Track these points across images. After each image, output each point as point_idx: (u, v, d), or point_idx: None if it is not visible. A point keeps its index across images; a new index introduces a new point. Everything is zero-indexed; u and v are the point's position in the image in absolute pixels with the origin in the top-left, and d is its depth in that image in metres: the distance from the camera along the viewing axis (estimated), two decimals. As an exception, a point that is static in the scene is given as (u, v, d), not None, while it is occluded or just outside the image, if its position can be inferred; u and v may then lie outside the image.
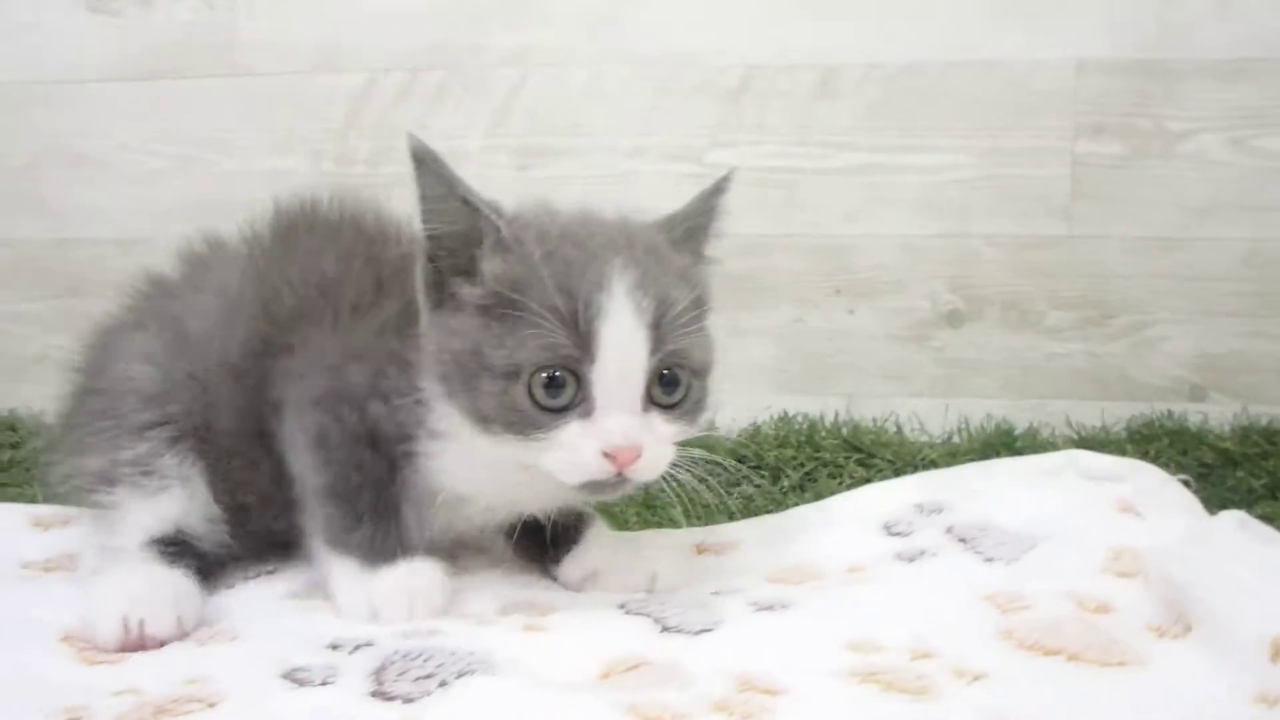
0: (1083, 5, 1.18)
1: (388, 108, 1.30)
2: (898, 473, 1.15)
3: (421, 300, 0.71)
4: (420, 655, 0.61)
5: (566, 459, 0.65)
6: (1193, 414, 1.17)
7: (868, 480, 1.13)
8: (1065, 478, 0.84)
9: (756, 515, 1.05)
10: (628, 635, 0.66)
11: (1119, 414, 1.20)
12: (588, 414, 0.65)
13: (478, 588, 0.76)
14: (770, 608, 0.69)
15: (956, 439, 1.20)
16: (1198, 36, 1.16)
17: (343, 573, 0.72)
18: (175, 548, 0.74)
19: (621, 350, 0.64)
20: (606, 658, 0.62)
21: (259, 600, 0.74)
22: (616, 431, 0.64)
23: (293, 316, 0.78)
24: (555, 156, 1.28)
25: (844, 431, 1.20)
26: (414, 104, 1.30)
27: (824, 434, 1.19)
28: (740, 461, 1.16)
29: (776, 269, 1.26)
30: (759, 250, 1.25)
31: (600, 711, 0.53)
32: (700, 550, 0.85)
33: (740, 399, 1.25)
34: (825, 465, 1.16)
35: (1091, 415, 1.20)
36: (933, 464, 1.14)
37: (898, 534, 0.82)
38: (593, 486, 0.67)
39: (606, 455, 0.65)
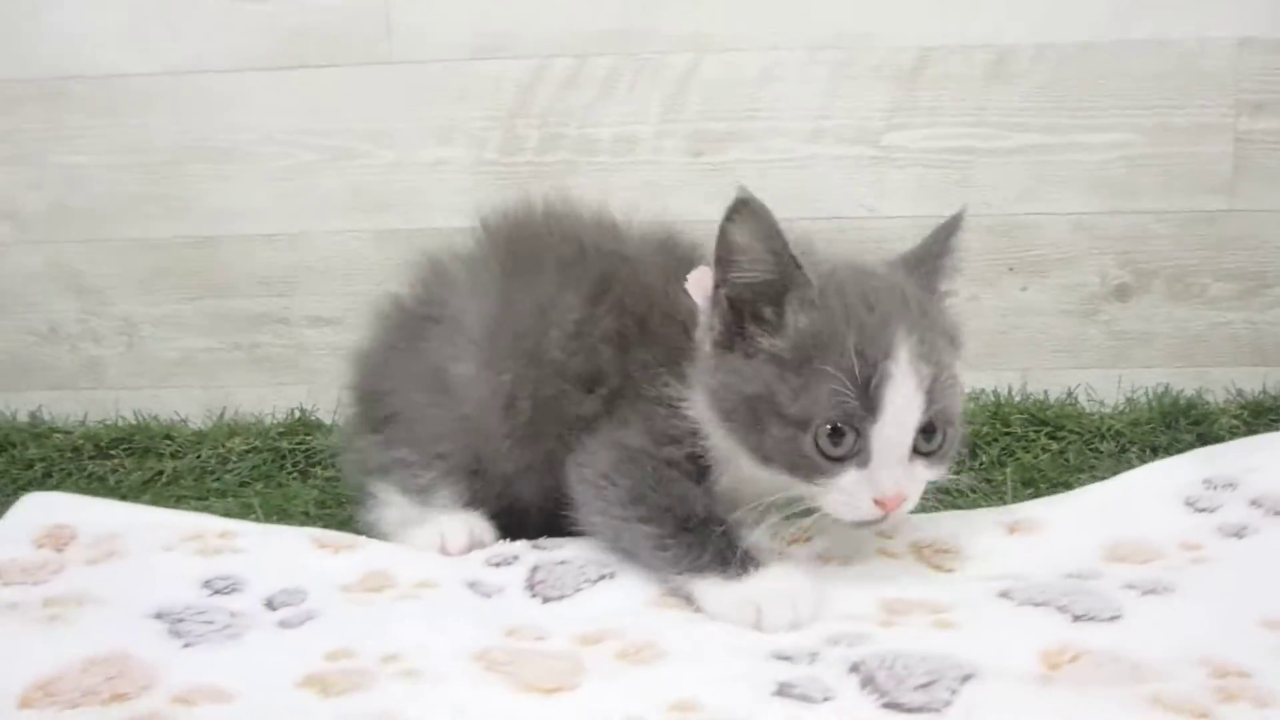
0: (1247, -14, 1.23)
1: (555, 94, 1.28)
2: (1086, 444, 1.21)
3: (711, 339, 0.76)
4: (903, 661, 0.63)
5: (843, 502, 0.73)
6: (1348, 375, 1.25)
7: (1061, 453, 1.19)
8: (1331, 448, 0.90)
9: (966, 494, 1.09)
10: (1042, 627, 0.69)
11: (1277, 378, 1.27)
12: (864, 464, 0.72)
13: (838, 585, 0.78)
14: (1154, 591, 0.72)
15: (1127, 409, 1.27)
16: (1354, 15, 1.22)
17: (711, 590, 0.74)
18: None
19: (901, 412, 0.72)
20: (1040, 649, 0.65)
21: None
22: (889, 483, 0.72)
23: (552, 360, 0.83)
24: (730, 142, 1.28)
25: (1027, 406, 1.25)
26: (584, 91, 1.28)
27: (1009, 409, 1.24)
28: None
29: (951, 248, 1.28)
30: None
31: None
32: (1012, 529, 0.88)
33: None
34: (1018, 440, 1.21)
35: (1252, 381, 1.27)
36: (1119, 434, 1.20)
37: (1204, 510, 0.86)
38: (860, 523, 0.75)
39: (877, 502, 0.73)
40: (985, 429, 1.21)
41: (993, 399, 1.26)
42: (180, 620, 0.69)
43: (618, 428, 0.82)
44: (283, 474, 1.21)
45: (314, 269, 1.32)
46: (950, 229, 0.83)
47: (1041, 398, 1.27)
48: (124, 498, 1.12)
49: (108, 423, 1.29)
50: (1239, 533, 0.81)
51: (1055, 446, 1.20)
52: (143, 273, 1.33)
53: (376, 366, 0.94)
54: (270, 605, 0.75)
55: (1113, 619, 0.69)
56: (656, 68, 1.27)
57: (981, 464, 1.18)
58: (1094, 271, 1.29)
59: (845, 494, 0.73)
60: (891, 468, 0.72)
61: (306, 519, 1.05)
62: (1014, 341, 1.30)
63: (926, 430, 0.74)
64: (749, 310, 0.75)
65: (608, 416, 0.83)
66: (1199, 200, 1.27)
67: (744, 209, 0.72)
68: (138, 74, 1.29)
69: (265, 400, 1.33)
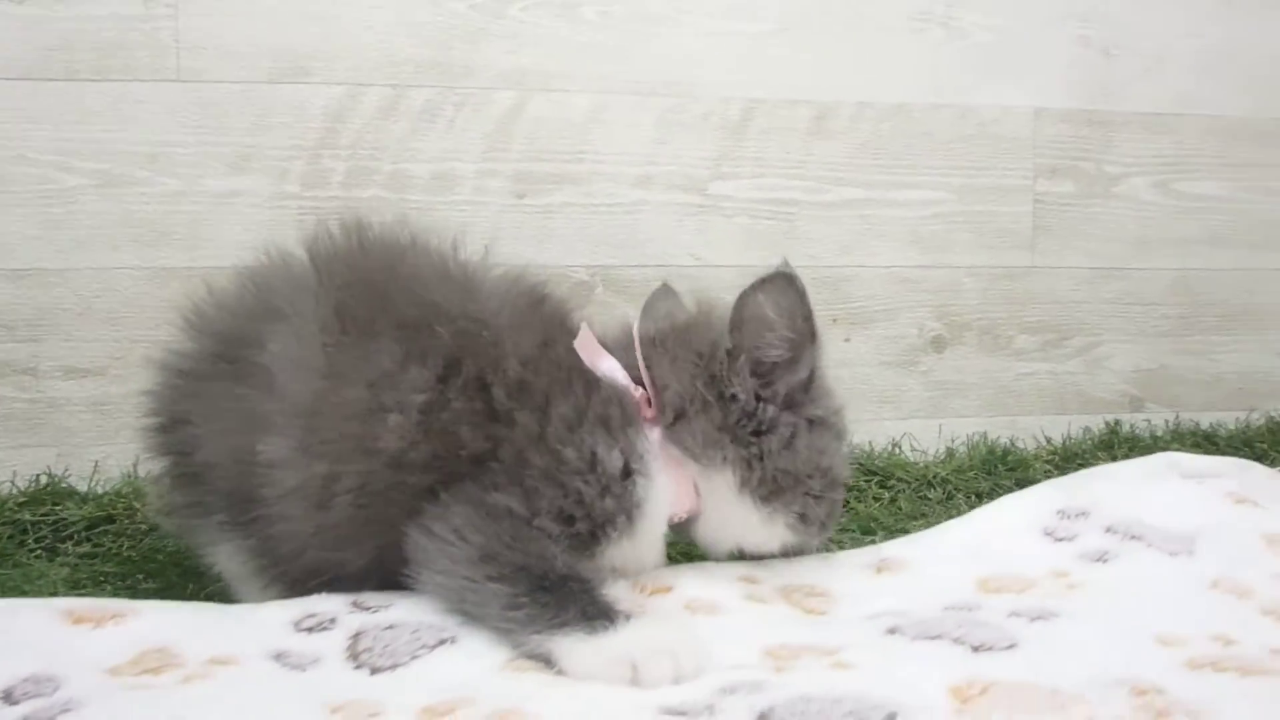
0: (1041, 60, 1.31)
1: (367, 126, 1.18)
2: (915, 491, 1.21)
3: (745, 412, 0.76)
4: (816, 705, 0.56)
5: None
6: (1138, 422, 1.33)
7: (893, 501, 1.18)
8: (1169, 478, 0.93)
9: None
10: (943, 660, 0.64)
11: (1076, 425, 1.33)
12: None
13: (714, 635, 0.71)
14: (1041, 617, 0.70)
15: (948, 458, 1.28)
16: (1131, 91, 1.33)
17: (575, 648, 0.64)
18: None
19: None
20: (948, 684, 0.60)
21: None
22: None
23: (389, 450, 0.72)
24: (555, 184, 1.22)
25: (856, 456, 1.24)
26: (399, 123, 1.19)
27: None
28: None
29: (779, 299, 1.27)
30: (762, 281, 1.27)
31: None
32: (879, 570, 0.84)
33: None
34: (850, 490, 1.19)
35: (1057, 428, 1.33)
36: (944, 481, 1.21)
37: (1063, 539, 0.85)
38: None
39: None
40: (819, 480, 1.18)
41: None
42: None
43: (485, 490, 0.71)
44: (23, 551, 1.00)
45: (71, 311, 1.13)
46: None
47: (868, 448, 1.26)
48: None
49: None
50: (1102, 558, 0.81)
51: (886, 495, 1.19)
52: None
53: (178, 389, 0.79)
54: (8, 699, 0.58)
55: (1010, 647, 0.65)
56: (479, 103, 1.20)
57: (818, 515, 1.15)
58: (912, 324, 1.31)
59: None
60: None
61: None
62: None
63: None
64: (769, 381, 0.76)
65: (470, 479, 0.72)
66: (1004, 256, 1.32)
67: (782, 282, 0.73)
68: None
69: (3, 465, 1.11)
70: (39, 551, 1.01)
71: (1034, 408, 1.34)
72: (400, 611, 0.71)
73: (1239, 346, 1.38)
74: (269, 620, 0.71)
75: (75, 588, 0.91)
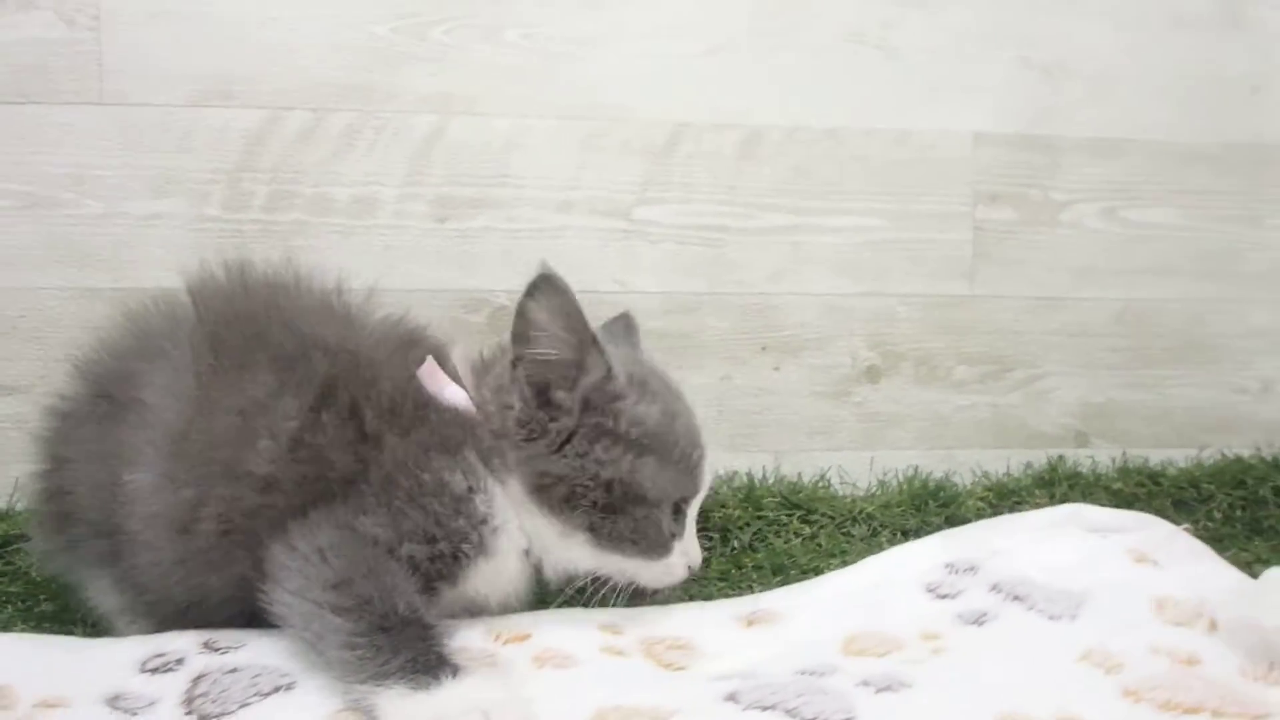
0: (981, 83, 1.28)
1: (288, 149, 1.19)
2: (839, 527, 1.18)
3: (513, 420, 0.78)
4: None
5: (663, 574, 0.81)
6: (1082, 458, 1.29)
7: (813, 538, 1.16)
8: (1071, 532, 0.89)
9: (714, 581, 1.04)
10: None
11: (1018, 460, 1.29)
12: (680, 536, 0.82)
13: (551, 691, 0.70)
14: (889, 688, 0.68)
15: (879, 492, 1.25)
16: (1076, 115, 1.29)
17: (394, 703, 0.63)
18: None
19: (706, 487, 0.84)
20: None
21: None
22: (698, 554, 0.84)
23: (257, 474, 0.74)
24: (477, 208, 1.22)
25: (780, 489, 1.21)
26: (319, 147, 1.19)
27: (761, 492, 1.20)
28: (685, 525, 1.16)
29: (706, 328, 1.26)
30: (689, 309, 1.25)
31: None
32: (750, 623, 0.82)
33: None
34: (770, 524, 1.17)
35: (996, 462, 1.29)
36: (870, 517, 1.18)
37: (945, 596, 0.82)
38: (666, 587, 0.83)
39: (689, 569, 0.83)
40: (737, 513, 1.16)
41: (745, 481, 1.22)
42: None
43: (353, 513, 0.72)
44: (-67, 571, 1.03)
45: (-3, 330, 1.16)
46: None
47: (795, 480, 1.24)
48: None
49: None
50: (978, 620, 0.78)
51: (808, 530, 1.16)
52: None
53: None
54: None
55: (846, 721, 0.63)
56: (399, 127, 1.20)
57: (732, 549, 1.13)
58: (845, 352, 1.28)
59: (669, 566, 0.81)
60: (695, 538, 0.84)
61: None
62: (767, 422, 1.28)
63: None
64: (543, 391, 0.78)
65: (340, 499, 0.73)
66: (942, 285, 1.29)
67: (545, 285, 0.74)
68: None
69: (-73, 481, 1.14)
70: (-50, 572, 1.03)
71: (972, 441, 1.31)
72: (249, 654, 0.72)
73: (1190, 380, 1.33)
74: (118, 659, 0.72)
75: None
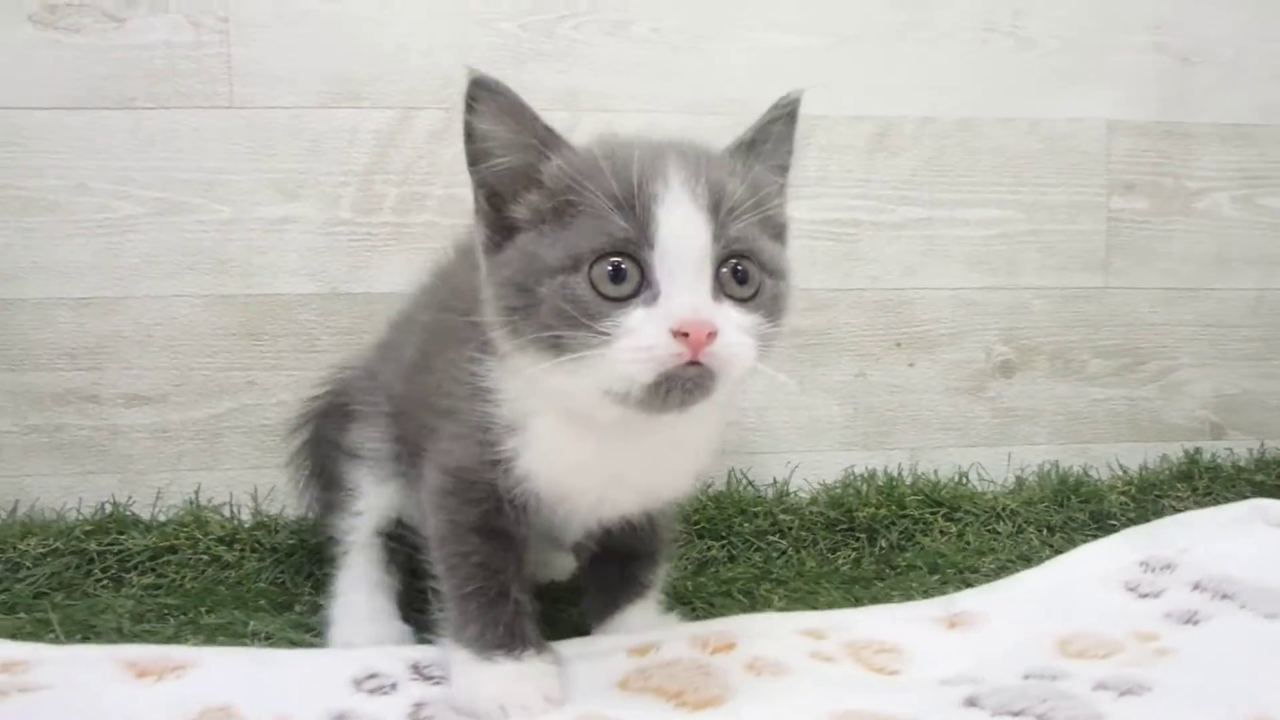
0: (1114, 70, 1.25)
1: (419, 150, 1.17)
2: (984, 525, 1.16)
3: (482, 248, 0.69)
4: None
5: (634, 347, 0.62)
6: (1220, 451, 1.27)
7: (960, 535, 1.14)
8: (1255, 526, 0.87)
9: (872, 582, 1.03)
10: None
11: (1153, 454, 1.27)
12: (653, 300, 0.63)
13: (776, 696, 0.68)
14: (1130, 691, 0.66)
15: (1017, 488, 1.23)
16: (1210, 103, 1.27)
17: (459, 664, 0.71)
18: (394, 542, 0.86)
19: (681, 233, 0.63)
20: None
21: None
22: (687, 306, 0.62)
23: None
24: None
25: (922, 487, 1.19)
26: (451, 146, 1.17)
27: (902, 490, 1.18)
28: (832, 525, 1.14)
29: (839, 324, 1.24)
30: (823, 305, 1.23)
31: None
32: (952, 624, 0.80)
33: (812, 456, 1.23)
34: (915, 523, 1.15)
35: (1132, 456, 1.27)
36: (1014, 514, 1.17)
37: (1147, 595, 0.81)
38: (668, 385, 0.62)
39: (677, 336, 0.61)
40: (883, 512, 1.15)
41: (885, 480, 1.20)
42: None
43: (441, 454, 0.75)
44: (90, 582, 1.02)
45: (131, 339, 1.14)
46: (774, 115, 0.76)
47: (933, 477, 1.22)
48: None
49: None
50: (1192, 619, 0.77)
51: (954, 529, 1.15)
52: (-86, 342, 1.12)
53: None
54: None
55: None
56: (531, 125, 1.18)
57: (881, 549, 1.12)
58: (979, 348, 1.26)
59: (636, 335, 0.62)
60: (687, 292, 0.63)
61: (119, 636, 0.87)
62: (901, 419, 1.26)
63: (738, 273, 0.65)
64: (510, 192, 0.68)
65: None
66: (1076, 277, 1.27)
67: (482, 92, 0.67)
68: (-82, 107, 1.10)
69: (69, 492, 1.13)
70: (105, 581, 1.02)
71: (1108, 435, 1.29)
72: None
73: (1328, 370, 1.31)
74: (329, 675, 0.71)
75: (139, 620, 0.92)
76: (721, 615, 0.90)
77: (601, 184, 0.64)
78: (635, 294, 0.63)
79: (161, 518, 1.10)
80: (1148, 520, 1.14)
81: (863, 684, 0.72)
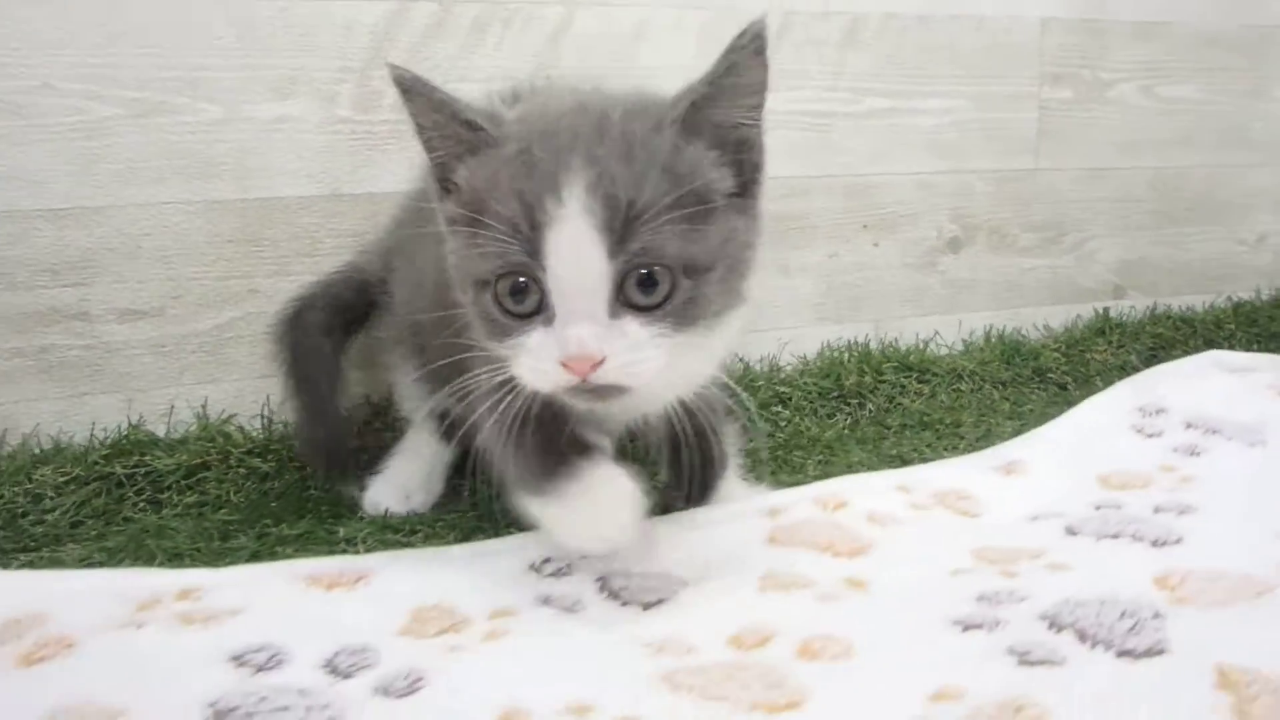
0: (1047, -31, 1.37)
1: (417, 44, 1.14)
2: (949, 385, 1.31)
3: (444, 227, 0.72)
4: (1104, 606, 0.64)
5: (532, 368, 0.65)
6: (1124, 309, 1.47)
7: (934, 395, 1.28)
8: (1216, 373, 1.05)
9: (872, 441, 1.14)
10: (1134, 556, 0.74)
11: (1070, 314, 1.46)
12: (549, 322, 0.65)
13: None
14: (1183, 512, 0.80)
15: (967, 351, 1.38)
16: (1124, 3, 1.41)
17: (539, 512, 0.72)
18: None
19: (569, 256, 0.63)
20: (1150, 576, 0.69)
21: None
22: (571, 340, 0.63)
23: None
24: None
25: (890, 354, 1.32)
26: (448, 40, 1.15)
27: (878, 359, 1.31)
28: (825, 394, 1.25)
29: (815, 209, 1.32)
30: (801, 192, 1.31)
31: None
32: (1008, 471, 0.92)
33: (794, 331, 1.33)
34: (893, 386, 1.28)
35: (1054, 317, 1.45)
36: (973, 374, 1.31)
37: (1152, 435, 0.96)
38: (573, 394, 0.66)
39: (564, 365, 0.64)
40: (866, 379, 1.27)
41: (861, 349, 1.32)
42: (283, 710, 0.54)
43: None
44: (125, 506, 0.98)
45: (119, 251, 1.07)
46: (734, 47, 0.70)
47: (897, 346, 1.35)
48: None
49: None
50: (1194, 451, 0.92)
51: (926, 390, 1.28)
52: None
53: None
54: (334, 671, 0.60)
55: (1179, 541, 0.75)
56: (527, 18, 1.17)
57: (870, 412, 1.24)
58: (932, 226, 1.39)
59: (533, 357, 0.65)
60: (576, 323, 0.63)
61: (201, 557, 0.85)
62: (867, 294, 1.37)
63: (644, 281, 0.64)
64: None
65: None
66: (1012, 160, 1.41)
67: (403, 90, 0.69)
68: None
69: (64, 417, 1.07)
70: (141, 505, 0.98)
71: (1035, 300, 1.45)
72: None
73: (1205, 236, 1.53)
74: (508, 566, 0.75)
75: (206, 539, 0.90)
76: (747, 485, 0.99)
77: (499, 201, 0.64)
78: (537, 311, 0.65)
79: (175, 435, 1.06)
80: (1080, 372, 1.33)
81: (968, 527, 0.82)
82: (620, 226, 0.62)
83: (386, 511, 0.94)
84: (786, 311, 1.33)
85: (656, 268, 0.64)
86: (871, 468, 1.03)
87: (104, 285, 1.07)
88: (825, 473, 1.02)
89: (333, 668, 0.60)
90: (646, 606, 0.69)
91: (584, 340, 0.62)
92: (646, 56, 1.22)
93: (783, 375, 1.27)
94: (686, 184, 0.65)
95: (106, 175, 1.05)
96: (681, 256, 0.64)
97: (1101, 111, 1.44)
